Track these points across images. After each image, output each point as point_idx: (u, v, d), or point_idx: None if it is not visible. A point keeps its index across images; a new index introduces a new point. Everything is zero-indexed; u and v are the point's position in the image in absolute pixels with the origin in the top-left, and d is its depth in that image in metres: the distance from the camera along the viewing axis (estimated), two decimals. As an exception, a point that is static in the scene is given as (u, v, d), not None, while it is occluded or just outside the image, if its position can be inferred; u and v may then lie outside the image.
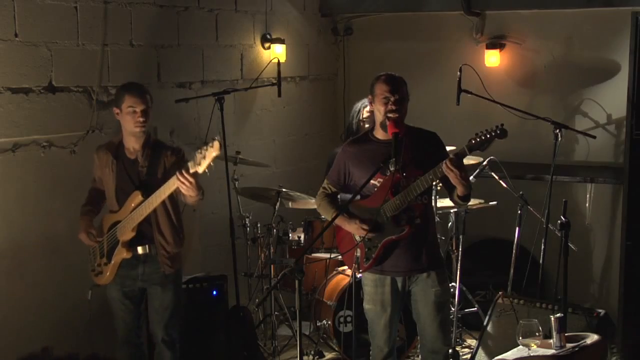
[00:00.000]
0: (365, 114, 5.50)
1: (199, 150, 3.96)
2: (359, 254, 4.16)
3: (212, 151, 3.91)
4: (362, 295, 4.38)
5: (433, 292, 4.20)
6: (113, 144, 4.41)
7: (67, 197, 4.87)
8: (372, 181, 4.11)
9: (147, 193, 4.23)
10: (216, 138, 3.91)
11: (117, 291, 4.40)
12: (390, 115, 4.10)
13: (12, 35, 4.64)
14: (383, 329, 4.26)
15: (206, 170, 4.01)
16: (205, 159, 3.95)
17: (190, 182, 4.03)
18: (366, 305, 4.31)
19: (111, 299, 4.44)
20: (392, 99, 4.11)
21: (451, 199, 4.27)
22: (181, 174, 4.02)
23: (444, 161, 3.92)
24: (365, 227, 4.12)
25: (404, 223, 4.15)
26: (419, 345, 5.23)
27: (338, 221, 4.21)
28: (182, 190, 4.09)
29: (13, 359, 4.77)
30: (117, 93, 4.37)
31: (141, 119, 4.25)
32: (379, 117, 4.19)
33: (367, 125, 5.41)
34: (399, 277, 4.23)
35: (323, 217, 5.56)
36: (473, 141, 3.95)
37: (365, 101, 5.49)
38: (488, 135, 3.93)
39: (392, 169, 4.04)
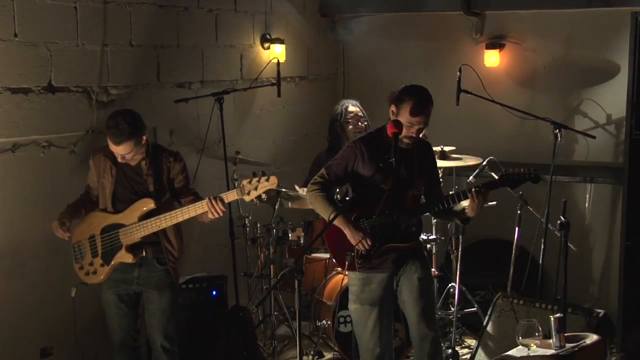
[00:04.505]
0: (349, 115, 5.63)
1: (249, 180, 4.05)
2: (352, 253, 4.15)
3: (268, 185, 4.03)
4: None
5: (416, 277, 4.24)
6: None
7: (66, 197, 4.84)
8: (382, 185, 4.10)
9: (158, 201, 4.24)
10: (273, 174, 4.06)
11: (112, 295, 4.38)
12: (406, 140, 4.15)
13: (12, 35, 4.64)
14: (372, 329, 4.21)
15: (254, 200, 4.13)
16: (257, 190, 4.05)
17: (222, 212, 4.12)
18: (352, 306, 4.28)
19: (106, 303, 4.42)
20: (415, 127, 4.11)
21: (442, 217, 4.33)
22: (216, 203, 4.09)
23: (473, 189, 4.04)
24: (368, 245, 4.12)
25: (402, 230, 4.20)
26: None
27: (337, 222, 4.16)
28: (209, 216, 4.15)
29: (12, 358, 4.77)
30: (105, 124, 4.25)
31: (123, 160, 4.25)
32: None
33: (351, 127, 5.55)
34: (385, 273, 4.23)
35: (320, 216, 5.56)
36: (505, 177, 4.10)
37: (346, 103, 5.66)
38: (521, 176, 4.08)
39: (394, 166, 4.05)
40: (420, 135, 4.23)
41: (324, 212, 4.21)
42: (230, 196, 4.12)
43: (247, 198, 4.07)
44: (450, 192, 4.26)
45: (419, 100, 4.10)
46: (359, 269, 4.21)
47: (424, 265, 4.32)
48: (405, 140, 4.14)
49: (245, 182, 4.05)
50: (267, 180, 4.01)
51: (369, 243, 4.12)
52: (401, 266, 4.27)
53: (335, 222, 4.17)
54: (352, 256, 4.14)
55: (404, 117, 4.09)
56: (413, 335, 4.31)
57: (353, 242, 4.13)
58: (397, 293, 4.31)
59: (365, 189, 4.11)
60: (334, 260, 4.66)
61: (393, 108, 4.15)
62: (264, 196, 4.09)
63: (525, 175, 4.06)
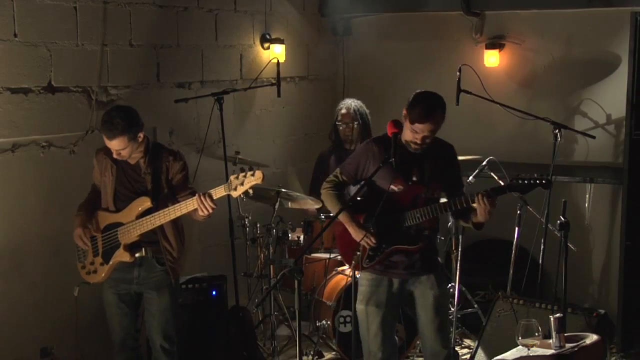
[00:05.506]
0: (339, 117, 5.73)
1: (236, 176, 4.04)
2: (359, 252, 4.16)
3: (253, 180, 4.00)
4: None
5: (432, 294, 4.21)
6: None
7: (66, 197, 4.86)
8: (392, 186, 4.11)
9: (155, 199, 4.24)
10: (259, 169, 4.03)
11: (112, 294, 4.39)
12: (413, 145, 4.12)
13: (12, 35, 4.64)
14: (376, 332, 4.21)
15: (241, 196, 4.11)
16: (244, 186, 4.03)
17: (212, 208, 4.11)
18: (359, 306, 4.27)
19: (107, 303, 4.42)
20: (420, 135, 4.07)
21: (459, 219, 4.27)
22: (204, 199, 4.08)
23: (479, 193, 3.97)
24: (372, 242, 4.13)
25: (413, 233, 4.16)
26: (418, 343, 5.26)
27: (343, 219, 4.20)
28: (199, 212, 4.14)
29: (12, 358, 4.77)
30: (101, 119, 4.27)
31: (119, 157, 4.26)
32: (407, 133, 4.15)
33: (341, 129, 5.70)
34: (396, 278, 4.22)
35: (322, 216, 5.57)
36: (515, 182, 4.02)
37: (342, 104, 5.70)
38: (532, 182, 4.00)
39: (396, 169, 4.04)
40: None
41: (333, 209, 4.28)
42: (219, 192, 4.12)
43: (234, 194, 4.07)
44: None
45: (422, 108, 4.04)
46: (364, 269, 4.21)
47: (440, 280, 4.26)
48: (413, 145, 4.12)
49: (232, 177, 4.07)
50: (253, 175, 4.01)
51: (373, 241, 4.12)
52: (414, 275, 4.22)
53: (341, 220, 4.21)
54: (358, 256, 4.14)
55: (409, 123, 4.07)
56: (426, 351, 4.31)
57: (356, 239, 4.15)
58: (410, 303, 4.28)
59: (376, 190, 4.11)
60: (341, 259, 4.66)
61: (404, 111, 4.12)
62: (250, 191, 4.09)
63: (536, 181, 3.99)
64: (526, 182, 4.01)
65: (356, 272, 4.26)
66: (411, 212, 4.13)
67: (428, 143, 4.11)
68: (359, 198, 4.34)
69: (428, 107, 4.05)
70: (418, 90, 4.17)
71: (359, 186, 4.19)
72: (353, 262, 4.16)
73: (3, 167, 4.69)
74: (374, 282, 4.23)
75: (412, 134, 4.08)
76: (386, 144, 4.14)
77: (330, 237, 5.41)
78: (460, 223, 4.28)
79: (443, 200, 4.22)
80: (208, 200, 4.09)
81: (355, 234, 4.17)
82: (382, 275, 4.22)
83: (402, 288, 4.24)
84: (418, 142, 4.09)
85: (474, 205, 4.03)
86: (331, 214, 4.53)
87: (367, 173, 4.20)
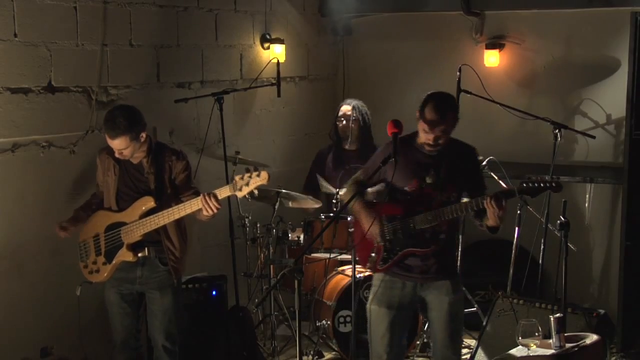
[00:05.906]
0: (340, 113, 5.79)
1: (241, 176, 4.05)
2: (374, 254, 4.16)
3: (259, 181, 4.01)
4: (367, 295, 4.36)
5: (447, 300, 4.16)
6: None
7: (66, 197, 4.86)
8: (406, 188, 4.11)
9: (158, 199, 4.24)
10: (264, 169, 4.03)
11: (115, 294, 4.39)
12: (427, 147, 4.11)
13: (12, 35, 4.64)
14: (383, 333, 4.18)
15: (247, 196, 4.11)
16: (249, 186, 4.03)
17: (216, 208, 4.10)
18: (369, 306, 4.26)
19: (109, 302, 4.43)
20: (431, 135, 4.05)
21: (478, 224, 4.26)
22: (209, 199, 4.08)
23: (487, 197, 3.92)
24: (377, 231, 4.12)
25: (428, 236, 4.12)
26: (418, 343, 5.26)
27: (357, 208, 4.20)
28: (204, 213, 4.13)
29: (12, 358, 4.77)
30: (103, 118, 4.29)
31: (121, 156, 4.26)
32: (421, 134, 4.14)
33: (340, 126, 5.77)
34: (409, 281, 4.19)
35: (322, 216, 5.58)
36: (525, 185, 3.97)
37: (343, 102, 5.84)
38: (542, 185, 3.95)
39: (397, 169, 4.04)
40: None
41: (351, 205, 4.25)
42: (223, 192, 4.12)
43: (239, 194, 4.08)
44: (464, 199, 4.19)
45: (432, 108, 4.02)
46: (378, 270, 4.20)
47: (456, 288, 4.22)
48: (427, 147, 4.10)
49: (237, 177, 4.07)
50: (258, 175, 4.02)
51: (377, 231, 4.10)
52: (429, 280, 4.18)
53: (356, 207, 4.21)
54: (373, 257, 4.14)
55: (422, 123, 4.05)
56: (436, 354, 4.28)
57: (365, 225, 4.13)
58: (423, 308, 4.26)
59: (393, 192, 4.11)
60: (358, 260, 4.67)
61: (417, 113, 4.10)
62: (255, 192, 4.09)
63: (546, 184, 3.95)
64: (536, 185, 3.95)
65: (357, 273, 4.26)
66: (422, 215, 4.09)
67: (441, 144, 4.07)
68: (374, 200, 4.34)
69: (437, 106, 4.03)
70: (431, 91, 4.14)
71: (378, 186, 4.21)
72: (368, 263, 4.15)
73: (3, 167, 4.69)
74: (387, 283, 4.20)
75: (424, 134, 4.06)
76: (406, 146, 4.13)
77: (331, 237, 5.41)
78: (478, 227, 4.23)
79: (464, 201, 4.19)
80: (213, 200, 4.09)
81: (365, 220, 4.16)
82: (396, 277, 4.19)
83: (415, 292, 4.19)
84: (431, 142, 4.06)
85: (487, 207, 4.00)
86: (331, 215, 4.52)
87: (385, 173, 4.16)
